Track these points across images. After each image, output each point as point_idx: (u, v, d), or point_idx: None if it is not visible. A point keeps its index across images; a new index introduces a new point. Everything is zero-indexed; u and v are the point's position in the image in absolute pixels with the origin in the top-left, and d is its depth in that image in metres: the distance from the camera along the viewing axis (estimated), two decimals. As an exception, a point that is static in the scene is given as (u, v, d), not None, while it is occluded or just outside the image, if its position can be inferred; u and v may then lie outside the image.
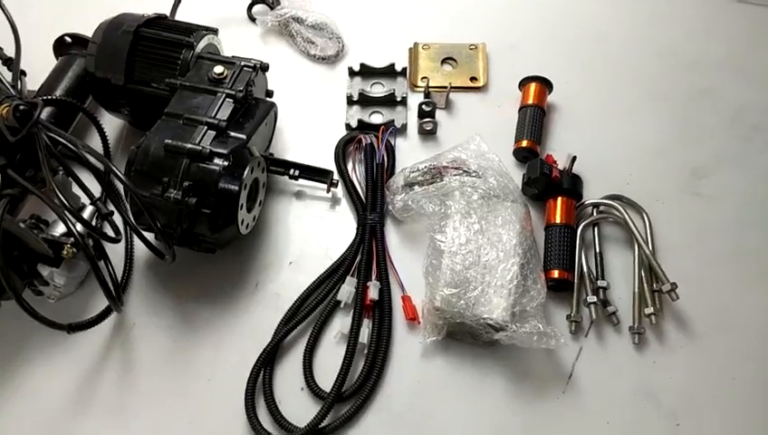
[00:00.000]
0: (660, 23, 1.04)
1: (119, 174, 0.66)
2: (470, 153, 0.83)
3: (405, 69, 0.96)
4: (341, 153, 0.88)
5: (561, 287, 0.78)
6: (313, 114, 0.94)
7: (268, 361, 0.74)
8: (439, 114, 0.92)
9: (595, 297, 0.76)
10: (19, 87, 0.79)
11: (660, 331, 0.77)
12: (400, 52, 0.99)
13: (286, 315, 0.77)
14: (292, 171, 0.85)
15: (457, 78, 0.96)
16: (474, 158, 0.83)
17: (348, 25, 1.01)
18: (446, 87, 0.93)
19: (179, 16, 0.93)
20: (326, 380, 0.73)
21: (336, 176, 0.86)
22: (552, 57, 0.99)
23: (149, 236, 0.74)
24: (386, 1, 1.07)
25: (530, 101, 0.90)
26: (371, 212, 0.82)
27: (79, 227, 0.69)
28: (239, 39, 0.99)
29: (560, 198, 0.82)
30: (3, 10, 0.83)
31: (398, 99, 0.93)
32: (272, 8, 1.02)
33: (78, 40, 0.90)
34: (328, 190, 0.85)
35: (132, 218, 0.73)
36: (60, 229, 0.73)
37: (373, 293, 0.76)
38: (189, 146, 0.70)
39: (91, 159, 0.71)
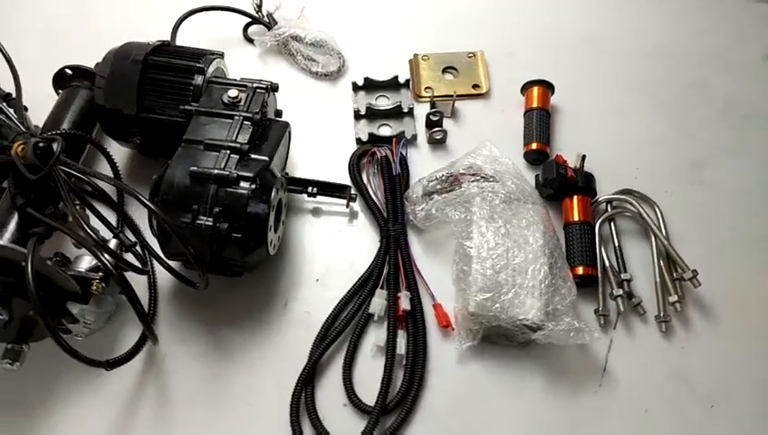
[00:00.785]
0: (648, 22, 1.08)
1: (152, 207, 0.66)
2: (484, 159, 0.85)
3: (408, 80, 0.97)
4: (356, 167, 0.88)
5: (584, 283, 0.80)
6: (321, 130, 0.94)
7: (308, 380, 0.73)
8: (446, 123, 0.93)
9: (621, 290, 0.78)
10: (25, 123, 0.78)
11: (685, 317, 0.79)
12: (399, 64, 1.01)
13: (320, 333, 0.76)
14: (310, 189, 0.85)
15: (460, 86, 0.98)
16: (488, 163, 0.84)
17: (345, 41, 1.02)
18: (450, 96, 0.95)
19: (177, 42, 0.92)
20: (367, 394, 0.73)
21: (353, 190, 0.86)
22: (548, 61, 1.02)
23: (175, 264, 0.73)
24: (378, 14, 1.09)
25: (534, 105, 0.93)
26: (393, 223, 0.83)
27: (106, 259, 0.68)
28: (238, 61, 0.98)
29: (576, 197, 0.84)
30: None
31: (405, 110, 0.94)
32: (269, 28, 1.02)
33: (79, 72, 0.88)
34: (347, 205, 0.86)
35: (158, 249, 0.73)
36: (83, 265, 0.72)
37: (405, 303, 0.76)
38: (216, 171, 0.69)
39: (104, 187, 0.71)
